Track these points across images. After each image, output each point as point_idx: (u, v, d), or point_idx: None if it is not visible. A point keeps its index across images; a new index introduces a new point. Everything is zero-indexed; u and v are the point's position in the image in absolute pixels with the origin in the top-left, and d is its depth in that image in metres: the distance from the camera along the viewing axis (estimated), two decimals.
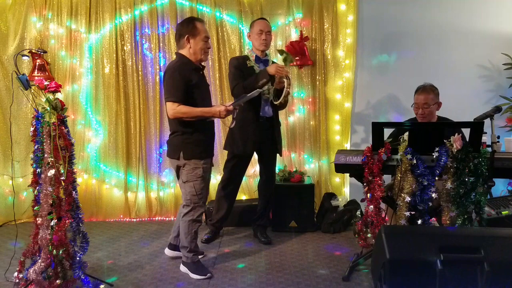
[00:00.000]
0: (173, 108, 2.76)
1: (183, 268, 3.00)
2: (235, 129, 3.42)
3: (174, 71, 2.81)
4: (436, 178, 2.60)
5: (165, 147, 4.28)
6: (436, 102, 3.08)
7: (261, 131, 3.48)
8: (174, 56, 4.13)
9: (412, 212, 2.62)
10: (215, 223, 3.69)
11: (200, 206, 2.91)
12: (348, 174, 3.62)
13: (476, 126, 2.59)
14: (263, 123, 3.49)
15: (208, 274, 2.92)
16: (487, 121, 2.73)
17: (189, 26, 2.87)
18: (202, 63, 2.99)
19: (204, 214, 3.76)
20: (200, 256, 3.15)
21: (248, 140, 3.47)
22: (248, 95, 2.94)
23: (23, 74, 2.52)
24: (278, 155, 3.70)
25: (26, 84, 2.49)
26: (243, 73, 3.42)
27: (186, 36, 2.85)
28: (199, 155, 2.86)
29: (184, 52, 2.89)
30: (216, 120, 3.18)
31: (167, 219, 4.33)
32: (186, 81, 2.78)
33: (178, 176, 3.01)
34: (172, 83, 2.79)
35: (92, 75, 4.24)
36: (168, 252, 3.26)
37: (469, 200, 2.54)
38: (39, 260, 2.45)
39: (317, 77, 4.24)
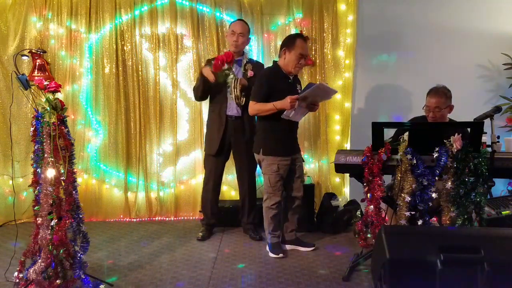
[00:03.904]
0: (250, 106, 3.20)
1: (267, 247, 3.36)
2: (207, 128, 3.72)
3: (263, 76, 3.25)
4: (436, 178, 2.60)
5: (165, 147, 4.33)
6: (448, 105, 3.03)
7: (228, 131, 3.55)
8: (175, 56, 4.22)
9: (412, 212, 2.63)
10: (202, 220, 3.81)
11: (275, 196, 3.26)
12: (348, 174, 3.62)
13: (476, 126, 2.60)
14: (231, 123, 3.55)
15: (281, 254, 3.24)
16: (487, 121, 2.73)
17: (289, 40, 3.19)
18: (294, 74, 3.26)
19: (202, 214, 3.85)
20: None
21: (212, 139, 3.59)
22: (321, 85, 3.09)
23: (23, 74, 2.52)
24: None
25: (26, 84, 2.49)
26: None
27: (284, 48, 3.18)
28: (276, 153, 3.20)
29: (279, 61, 3.24)
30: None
31: (167, 219, 4.33)
32: (270, 86, 3.15)
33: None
34: (258, 85, 3.20)
35: (92, 75, 4.23)
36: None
37: (469, 200, 2.54)
38: (39, 260, 2.44)
39: (317, 77, 4.24)
